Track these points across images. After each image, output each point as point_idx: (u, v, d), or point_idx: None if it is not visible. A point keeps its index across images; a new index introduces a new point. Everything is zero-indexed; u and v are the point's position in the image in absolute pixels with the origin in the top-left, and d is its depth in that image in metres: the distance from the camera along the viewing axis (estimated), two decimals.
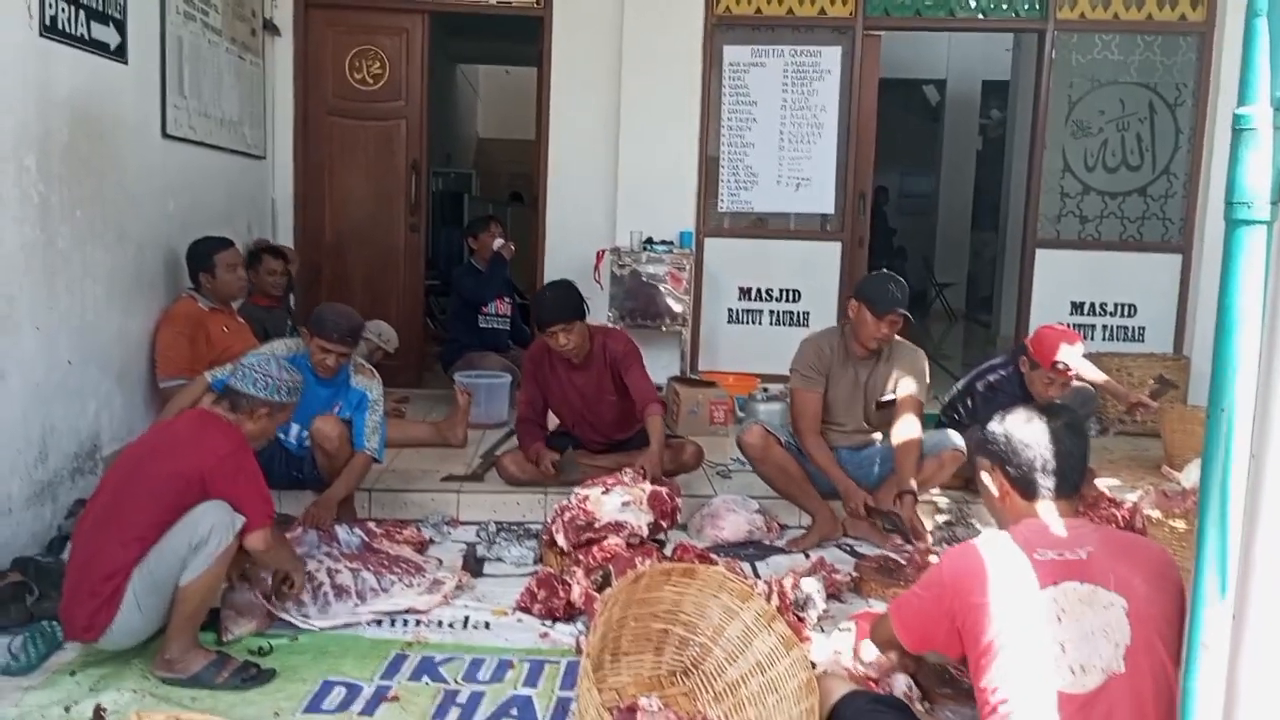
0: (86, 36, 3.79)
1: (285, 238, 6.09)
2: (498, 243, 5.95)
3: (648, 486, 3.61)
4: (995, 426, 2.18)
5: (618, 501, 3.49)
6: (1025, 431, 2.10)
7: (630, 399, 4.18)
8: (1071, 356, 4.01)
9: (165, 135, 4.56)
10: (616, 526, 3.41)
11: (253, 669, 2.73)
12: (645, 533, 3.48)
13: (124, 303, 4.15)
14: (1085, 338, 6.18)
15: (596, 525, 3.43)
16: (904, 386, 3.92)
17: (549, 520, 3.57)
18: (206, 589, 2.73)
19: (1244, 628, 1.34)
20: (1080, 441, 2.12)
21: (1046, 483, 2.07)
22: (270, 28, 5.93)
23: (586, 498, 3.51)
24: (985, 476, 2.20)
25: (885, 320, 3.77)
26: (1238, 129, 1.27)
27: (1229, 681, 1.36)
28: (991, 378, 4.23)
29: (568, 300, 4.04)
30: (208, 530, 2.66)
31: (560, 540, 3.43)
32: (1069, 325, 6.22)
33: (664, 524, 3.60)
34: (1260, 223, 1.26)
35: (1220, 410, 1.28)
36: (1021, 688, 1.84)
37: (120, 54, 4.09)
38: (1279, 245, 1.29)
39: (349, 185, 6.29)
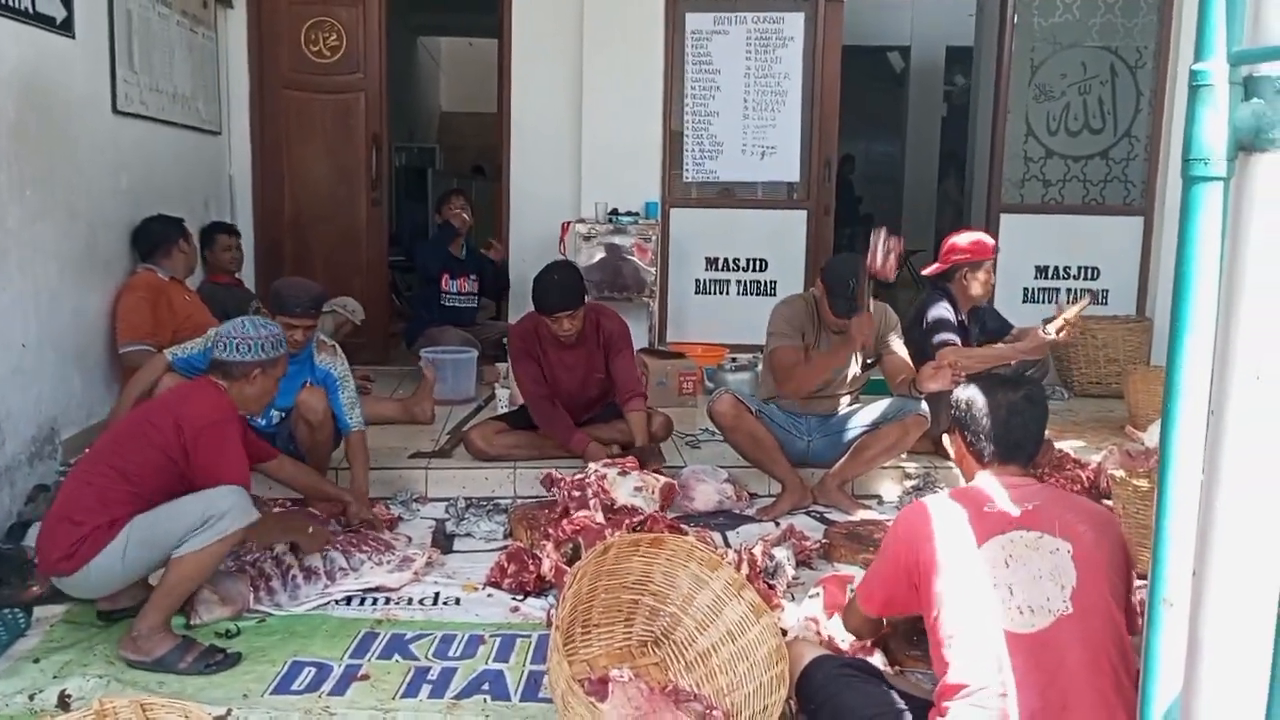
0: (31, 10, 3.69)
1: (243, 214, 5.99)
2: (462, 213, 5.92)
3: (661, 478, 3.63)
4: (959, 393, 2.27)
5: (631, 486, 3.51)
6: (985, 400, 2.18)
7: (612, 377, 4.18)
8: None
9: (116, 111, 4.45)
10: (631, 510, 3.40)
11: (219, 654, 2.70)
12: None
13: (78, 282, 4.07)
14: (1050, 301, 6.27)
15: (615, 506, 3.43)
16: (894, 345, 3.96)
17: (564, 491, 3.50)
18: (199, 567, 2.69)
19: (1205, 584, 1.34)
20: (1038, 413, 2.21)
21: (1000, 451, 2.15)
22: (222, 0, 5.80)
23: (605, 476, 3.51)
24: (946, 438, 2.33)
25: (841, 319, 3.79)
26: (1194, 85, 1.26)
27: (1191, 637, 1.37)
28: (931, 316, 4.21)
29: (575, 287, 3.97)
30: (225, 510, 2.66)
31: (598, 516, 3.35)
32: (1033, 290, 6.31)
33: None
34: (1217, 179, 1.26)
35: (1179, 368, 1.28)
36: (975, 633, 1.91)
37: (67, 28, 3.98)
38: (1235, 201, 1.28)
39: (308, 160, 6.18)
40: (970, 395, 2.22)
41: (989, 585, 1.92)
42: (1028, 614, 1.89)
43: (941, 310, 4.18)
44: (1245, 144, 1.26)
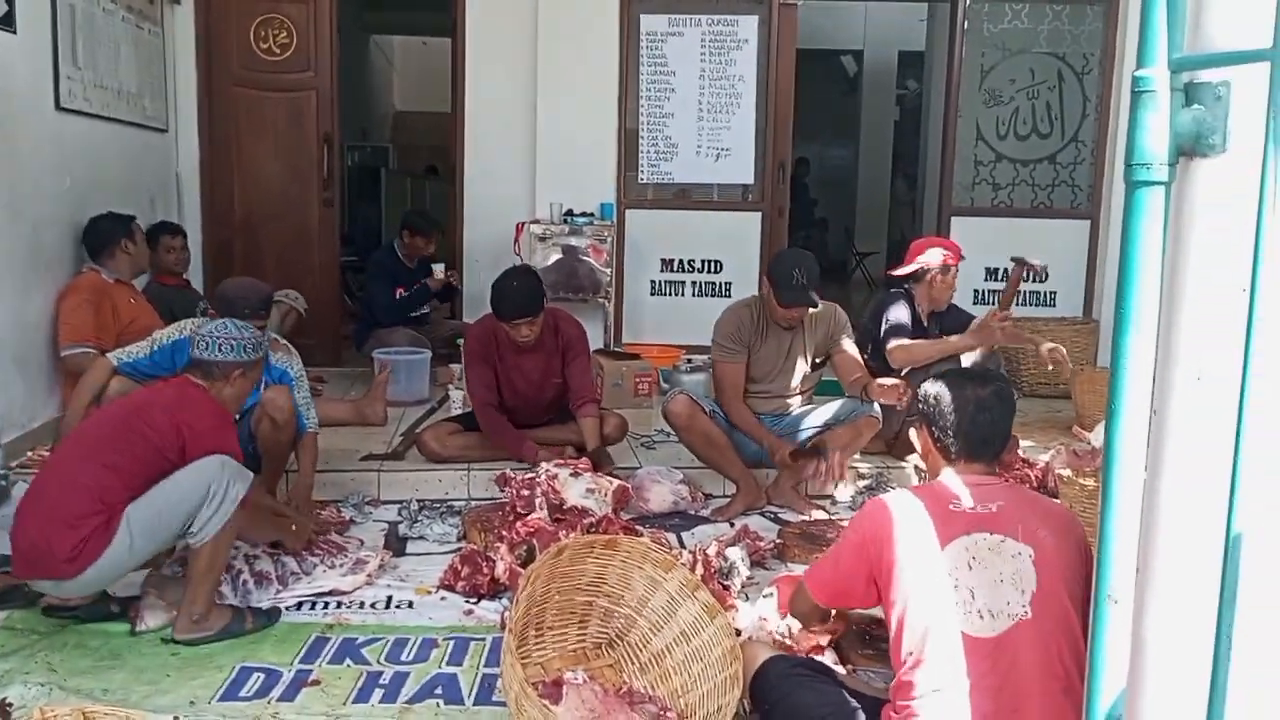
0: None
1: (191, 213, 5.89)
2: (440, 269, 5.88)
3: (614, 481, 3.62)
4: (928, 387, 2.25)
5: (583, 487, 3.49)
6: (953, 396, 2.16)
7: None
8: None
9: (59, 108, 4.36)
10: (581, 512, 3.39)
11: (265, 611, 2.92)
12: None
13: (20, 284, 3.97)
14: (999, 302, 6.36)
15: (564, 506, 3.41)
16: (846, 346, 4.00)
17: (513, 490, 3.49)
18: (223, 544, 2.78)
19: (1148, 580, 1.37)
20: (1005, 410, 2.19)
21: (967, 446, 2.13)
22: None
23: (556, 476, 3.49)
24: (913, 432, 2.31)
25: (790, 309, 3.82)
26: (1137, 91, 1.28)
27: (1134, 633, 1.40)
28: (890, 318, 4.28)
29: (535, 293, 3.95)
30: (223, 484, 2.69)
31: (541, 512, 3.34)
32: (983, 291, 6.40)
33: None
34: (1158, 183, 1.28)
35: (1122, 369, 1.31)
36: (933, 634, 1.91)
37: (8, 23, 3.90)
38: (1177, 205, 1.31)
39: (258, 159, 6.09)
40: (939, 390, 2.20)
41: (950, 587, 1.92)
42: (988, 618, 1.89)
43: (900, 312, 4.27)
44: (1186, 149, 1.28)
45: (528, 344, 4.02)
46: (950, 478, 2.13)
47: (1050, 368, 4.23)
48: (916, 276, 4.38)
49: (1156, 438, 1.34)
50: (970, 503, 2.02)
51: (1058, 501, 2.91)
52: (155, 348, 3.55)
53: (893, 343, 4.16)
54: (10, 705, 2.40)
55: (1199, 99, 1.27)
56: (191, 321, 3.78)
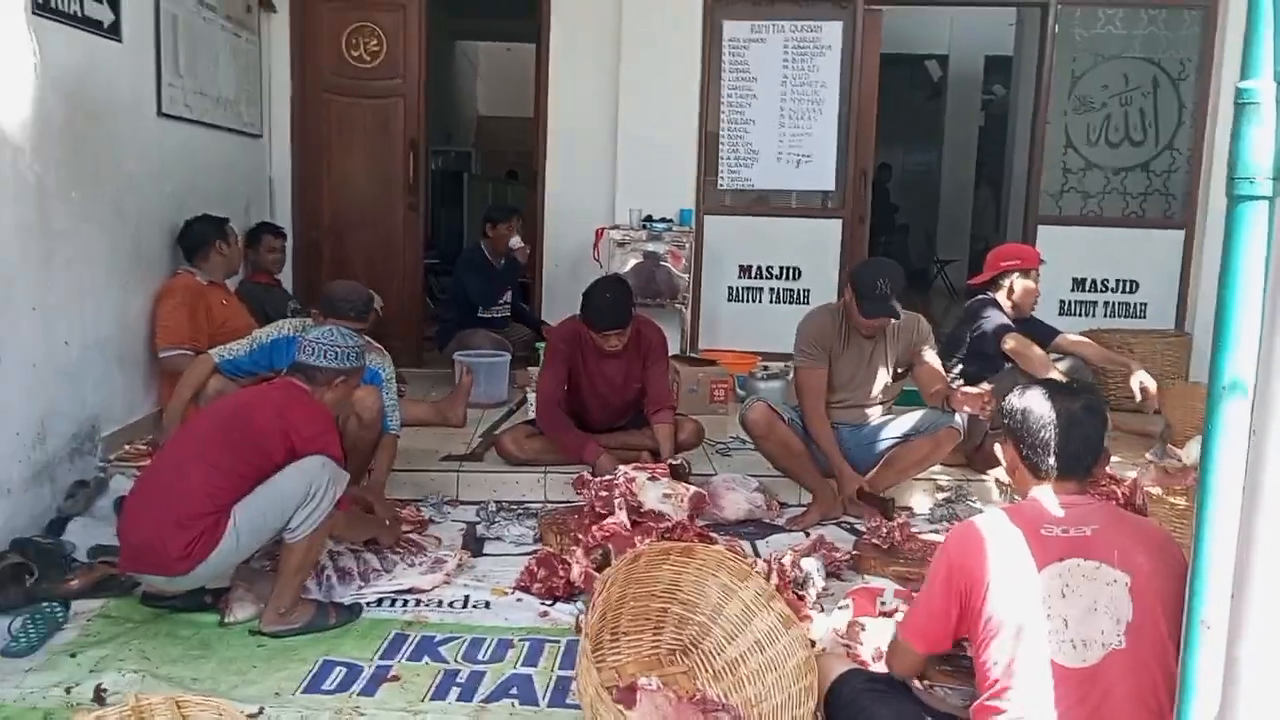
0: (80, 14, 3.76)
1: (283, 217, 6.06)
2: (515, 241, 5.94)
3: (690, 487, 3.63)
4: (1014, 400, 2.16)
5: (659, 492, 3.50)
6: (1042, 410, 2.07)
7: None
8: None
9: (161, 114, 4.53)
10: (657, 516, 3.41)
11: (347, 607, 2.99)
12: None
13: (122, 282, 4.13)
14: (1088, 314, 6.22)
15: (641, 510, 3.43)
16: (928, 357, 3.95)
17: (591, 492, 3.52)
18: (316, 543, 2.88)
19: (1244, 605, 1.33)
20: (1097, 423, 2.09)
21: (1058, 464, 2.05)
22: (266, 4, 5.88)
23: (634, 479, 3.51)
24: (998, 447, 2.23)
25: (873, 320, 3.78)
26: (1240, 103, 1.25)
27: (1228, 659, 1.36)
28: (980, 328, 4.28)
29: (626, 305, 4.00)
30: (325, 481, 2.80)
31: (621, 515, 3.37)
32: (1069, 302, 6.25)
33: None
34: (1263, 198, 1.24)
35: (1221, 387, 1.27)
36: (1022, 662, 1.85)
37: (114, 32, 4.06)
38: None
39: (347, 164, 6.25)
40: (1027, 404, 2.10)
41: (1043, 615, 1.85)
42: (1080, 648, 1.83)
43: (998, 314, 4.31)
44: None
45: (614, 351, 4.06)
46: (1040, 497, 2.04)
47: (1138, 399, 4.11)
48: (996, 285, 4.35)
49: (1255, 459, 1.30)
50: (1063, 526, 1.93)
51: (1153, 522, 2.80)
52: (254, 346, 3.68)
53: (1012, 339, 4.15)
54: (105, 691, 2.50)
55: None
56: (289, 322, 3.90)
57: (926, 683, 2.47)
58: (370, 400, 3.67)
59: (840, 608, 2.88)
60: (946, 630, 2.03)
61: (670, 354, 5.67)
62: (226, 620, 2.92)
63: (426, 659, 2.76)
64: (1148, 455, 3.84)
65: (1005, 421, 2.16)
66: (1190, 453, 3.81)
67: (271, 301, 5.04)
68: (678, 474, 3.79)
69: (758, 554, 3.52)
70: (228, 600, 2.96)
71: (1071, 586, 1.86)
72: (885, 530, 3.50)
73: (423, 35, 6.17)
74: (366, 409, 3.66)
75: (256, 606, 2.94)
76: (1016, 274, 4.34)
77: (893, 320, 3.82)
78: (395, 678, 2.65)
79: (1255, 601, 1.33)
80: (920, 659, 2.16)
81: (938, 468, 4.15)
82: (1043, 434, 2.05)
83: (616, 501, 3.39)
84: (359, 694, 2.56)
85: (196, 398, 3.64)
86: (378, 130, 6.21)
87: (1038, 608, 1.86)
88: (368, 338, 3.92)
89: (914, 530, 3.62)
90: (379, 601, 3.11)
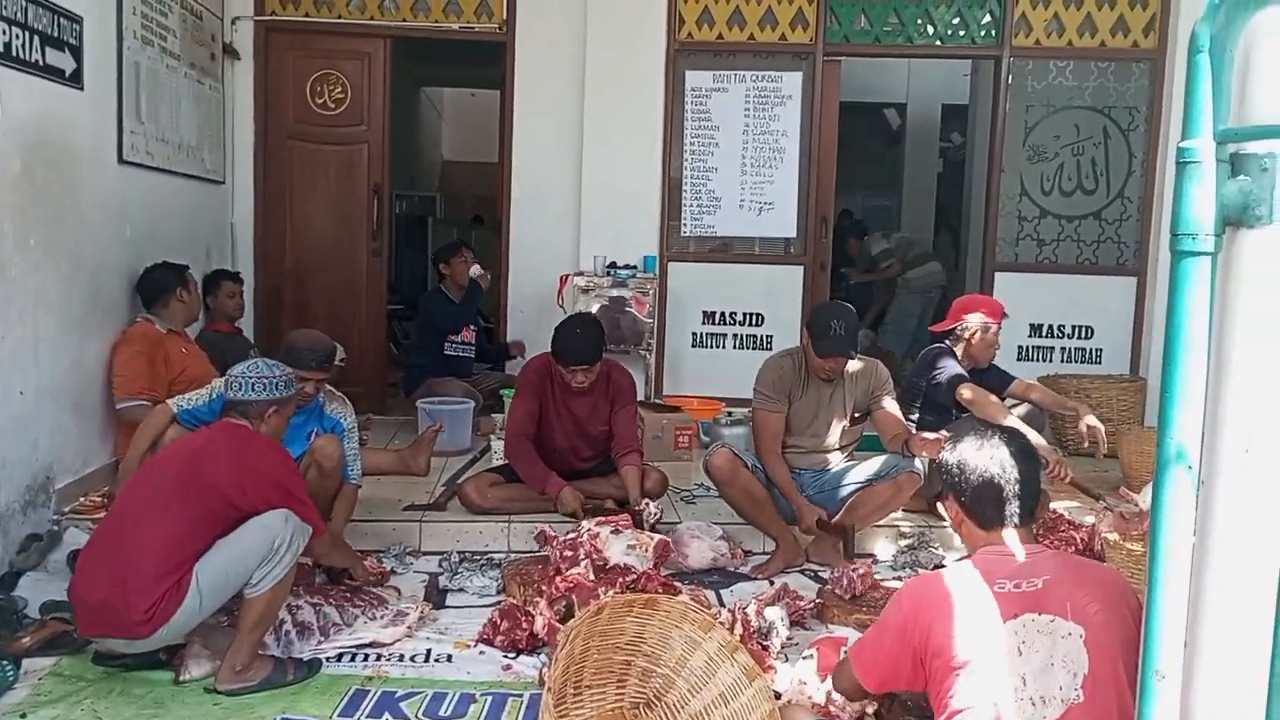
0: (41, 62, 3.75)
1: (245, 263, 6.03)
2: (475, 270, 5.97)
3: (655, 536, 3.62)
4: (947, 456, 2.17)
5: (624, 544, 3.49)
6: (976, 460, 2.08)
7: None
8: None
9: (122, 161, 4.51)
10: (624, 570, 3.39)
11: (305, 663, 2.94)
12: None
13: (79, 331, 4.08)
14: (1045, 360, 6.32)
15: (608, 566, 3.41)
16: (886, 404, 4.00)
17: (556, 551, 3.49)
18: (278, 597, 2.84)
19: (1196, 654, 1.34)
20: (1032, 466, 2.11)
21: (999, 511, 2.05)
22: (230, 52, 5.90)
23: (598, 535, 3.49)
24: (940, 506, 2.23)
25: (828, 359, 3.82)
26: (1181, 162, 1.29)
27: (1183, 708, 1.37)
28: (936, 377, 4.32)
29: (597, 342, 4.07)
30: (287, 537, 2.77)
31: (585, 571, 3.34)
32: (1027, 348, 6.34)
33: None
34: (1204, 254, 1.28)
35: (1169, 437, 1.29)
36: (979, 716, 1.85)
37: (76, 80, 4.04)
38: (1223, 275, 1.30)
39: (310, 210, 6.24)
40: (960, 457, 2.11)
41: (1002, 674, 1.85)
42: (1039, 705, 1.83)
43: (953, 363, 4.36)
44: (1232, 220, 1.28)
45: (582, 389, 4.07)
46: (990, 550, 2.05)
47: (1086, 444, 4.22)
48: (957, 334, 4.41)
49: (1204, 509, 1.32)
50: (1015, 580, 1.93)
51: (1108, 566, 2.83)
52: (214, 395, 3.64)
53: (968, 388, 4.19)
54: None
55: (1245, 170, 1.27)
56: None
57: None
58: (331, 449, 3.64)
59: (805, 657, 2.87)
60: (894, 672, 2.04)
61: None
62: (182, 678, 2.85)
63: (387, 715, 2.71)
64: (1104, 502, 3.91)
65: (943, 478, 2.16)
66: (1146, 498, 3.86)
67: (232, 349, 4.98)
68: (638, 522, 3.78)
69: (722, 603, 3.51)
70: (183, 657, 2.89)
71: (1027, 643, 1.87)
72: (847, 580, 3.50)
73: (387, 82, 6.20)
74: (327, 458, 3.62)
75: (213, 663, 2.87)
76: (978, 325, 4.40)
77: (849, 362, 3.87)
78: None
79: (1207, 651, 1.34)
80: (861, 689, 2.17)
81: (899, 514, 4.17)
82: (980, 484, 2.06)
83: (583, 562, 3.37)
84: None
85: (154, 449, 3.58)
86: (341, 176, 6.21)
87: (997, 667, 1.86)
88: (330, 387, 3.91)
89: (877, 578, 3.62)
90: (339, 656, 3.05)
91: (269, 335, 5.88)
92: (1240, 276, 1.30)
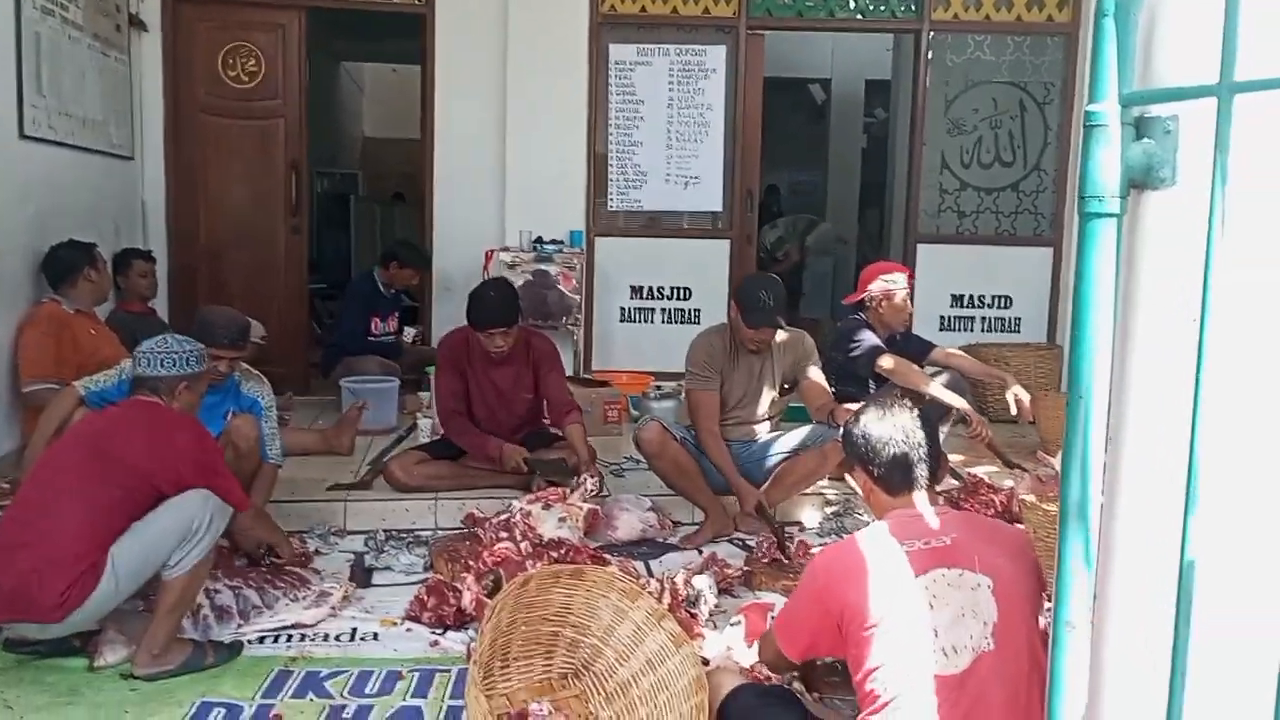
0: None
1: (156, 240, 5.84)
2: (409, 333, 5.93)
3: (584, 505, 3.63)
4: (852, 428, 2.26)
5: (555, 518, 3.50)
6: (880, 430, 2.18)
7: (540, 398, 4.22)
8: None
9: (22, 136, 4.33)
10: (557, 544, 3.38)
11: (226, 645, 2.87)
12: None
13: None
14: (966, 330, 6.45)
15: (542, 542, 3.40)
16: (812, 374, 4.03)
17: (489, 533, 3.47)
18: (197, 579, 2.78)
19: (1106, 606, 1.38)
20: (931, 431, 2.22)
21: (906, 476, 2.15)
22: (136, 23, 5.68)
23: (530, 513, 3.49)
24: (849, 477, 2.31)
25: (757, 330, 3.84)
26: (1089, 125, 1.30)
27: (1094, 659, 1.40)
28: (854, 350, 4.36)
29: (511, 303, 4.01)
30: (207, 518, 2.70)
31: (521, 547, 3.34)
32: (949, 318, 6.47)
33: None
34: (1111, 215, 1.30)
35: (1078, 397, 1.32)
36: (898, 676, 1.89)
37: None
38: (1129, 237, 1.33)
39: (225, 186, 6.06)
40: (865, 428, 2.21)
41: (915, 628, 1.90)
42: (951, 655, 1.88)
43: (869, 334, 4.39)
44: (1137, 182, 1.31)
45: (500, 355, 4.04)
46: (901, 514, 2.12)
47: (1013, 411, 4.33)
48: (866, 304, 4.50)
49: (1112, 466, 1.36)
50: (925, 539, 2.01)
51: (1009, 524, 2.94)
52: (124, 376, 3.51)
53: (887, 358, 4.25)
54: None
55: (1149, 133, 1.30)
56: None
57: (816, 694, 2.51)
58: (247, 429, 3.56)
59: (732, 624, 2.90)
60: (814, 642, 2.12)
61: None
62: (96, 664, 2.77)
63: (311, 695, 2.67)
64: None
65: (850, 449, 2.26)
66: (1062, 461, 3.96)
67: (144, 330, 4.79)
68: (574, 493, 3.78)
69: (651, 574, 3.52)
70: (97, 643, 2.81)
71: (939, 596, 1.92)
72: (772, 549, 3.55)
73: (303, 55, 6.04)
74: (243, 438, 3.55)
75: (128, 649, 2.80)
76: (880, 292, 4.46)
77: (777, 333, 3.90)
78: (278, 716, 2.55)
79: (1116, 603, 1.38)
80: (784, 659, 2.25)
81: (825, 482, 4.22)
82: (886, 453, 2.16)
83: (523, 545, 3.35)
84: None
85: (60, 433, 3.46)
86: (256, 151, 6.04)
87: (908, 621, 1.91)
88: (246, 365, 3.82)
89: (806, 544, 3.67)
90: (260, 639, 2.99)
91: (184, 315, 5.69)
92: (1145, 238, 1.33)
